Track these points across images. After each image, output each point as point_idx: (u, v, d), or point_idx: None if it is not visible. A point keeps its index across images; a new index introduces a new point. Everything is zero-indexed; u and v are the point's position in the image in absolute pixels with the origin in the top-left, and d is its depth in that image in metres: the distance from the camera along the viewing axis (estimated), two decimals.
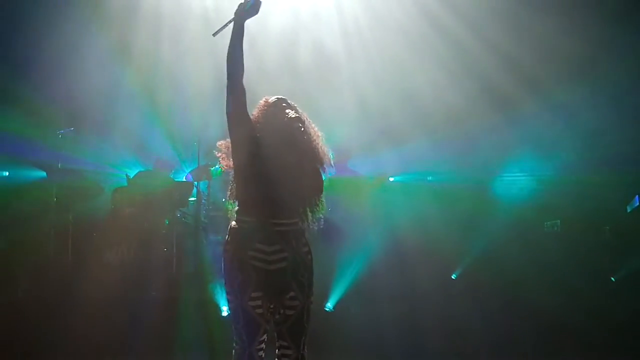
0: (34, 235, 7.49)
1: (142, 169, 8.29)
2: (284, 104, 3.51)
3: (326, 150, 3.57)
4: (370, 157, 8.47)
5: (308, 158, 3.44)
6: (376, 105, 8.28)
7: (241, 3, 3.50)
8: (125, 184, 8.05)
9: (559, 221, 8.26)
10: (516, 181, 9.28)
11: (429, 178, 8.36)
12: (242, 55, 3.45)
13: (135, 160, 8.68)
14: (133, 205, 7.46)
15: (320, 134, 3.58)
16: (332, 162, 3.59)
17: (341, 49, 7.97)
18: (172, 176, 8.17)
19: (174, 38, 7.92)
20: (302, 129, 3.42)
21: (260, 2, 3.51)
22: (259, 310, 3.33)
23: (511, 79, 8.22)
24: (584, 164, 8.63)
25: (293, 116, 3.43)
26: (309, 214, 3.52)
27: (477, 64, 8.06)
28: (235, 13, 3.49)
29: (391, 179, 8.72)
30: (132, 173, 8.21)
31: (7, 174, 8.50)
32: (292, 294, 3.37)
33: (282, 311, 3.37)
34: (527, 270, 7.41)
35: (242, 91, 3.45)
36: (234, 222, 3.46)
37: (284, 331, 3.40)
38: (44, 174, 8.16)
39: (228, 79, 3.45)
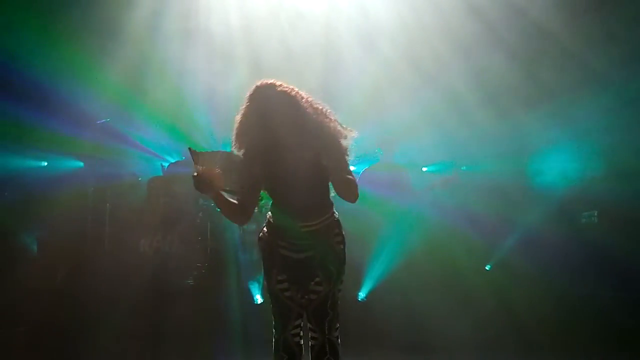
0: (72, 224, 7.64)
1: (177, 159, 8.35)
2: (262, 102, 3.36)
3: (336, 130, 3.38)
4: (401, 145, 8.38)
5: (314, 157, 3.29)
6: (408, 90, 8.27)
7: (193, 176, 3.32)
8: (160, 173, 8.16)
9: (596, 212, 8.06)
10: (553, 170, 9.12)
11: (463, 168, 8.20)
12: (237, 211, 3.41)
13: (170, 149, 8.74)
14: (168, 194, 7.54)
15: (327, 115, 3.41)
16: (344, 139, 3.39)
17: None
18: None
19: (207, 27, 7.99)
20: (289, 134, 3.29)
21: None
22: (287, 294, 3.43)
23: (550, 65, 8.13)
24: (623, 151, 8.45)
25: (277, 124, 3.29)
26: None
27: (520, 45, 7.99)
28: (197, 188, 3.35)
29: (424, 169, 8.62)
30: (166, 163, 8.30)
31: (45, 164, 8.66)
32: (317, 279, 3.40)
33: (307, 296, 3.43)
34: (563, 262, 7.31)
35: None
36: (269, 214, 3.53)
37: (309, 315, 3.46)
38: (81, 164, 8.29)
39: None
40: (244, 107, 3.42)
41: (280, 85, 3.41)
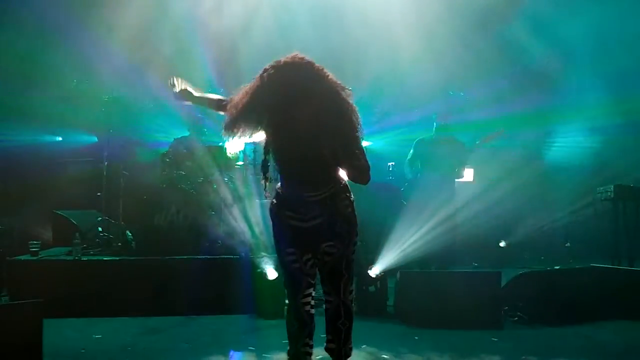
0: (87, 199, 7.69)
1: (184, 134, 8.33)
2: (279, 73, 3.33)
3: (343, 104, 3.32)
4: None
5: (322, 123, 3.25)
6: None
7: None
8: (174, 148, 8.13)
9: (612, 186, 7.97)
10: (567, 144, 9.03)
11: (477, 142, 8.12)
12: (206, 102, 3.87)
13: (183, 124, 8.72)
14: (181, 169, 7.55)
15: (338, 92, 3.34)
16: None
17: None
18: (216, 140, 8.19)
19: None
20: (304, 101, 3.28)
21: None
22: (296, 265, 3.50)
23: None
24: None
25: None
26: (349, 168, 3.29)
27: None
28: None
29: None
30: (178, 136, 8.27)
31: (60, 138, 8.71)
32: (330, 243, 3.43)
33: (319, 257, 3.48)
34: (579, 238, 7.25)
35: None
36: (278, 185, 3.57)
37: (325, 277, 3.55)
38: (95, 138, 8.31)
39: None
40: (263, 74, 3.36)
41: (306, 60, 3.37)
